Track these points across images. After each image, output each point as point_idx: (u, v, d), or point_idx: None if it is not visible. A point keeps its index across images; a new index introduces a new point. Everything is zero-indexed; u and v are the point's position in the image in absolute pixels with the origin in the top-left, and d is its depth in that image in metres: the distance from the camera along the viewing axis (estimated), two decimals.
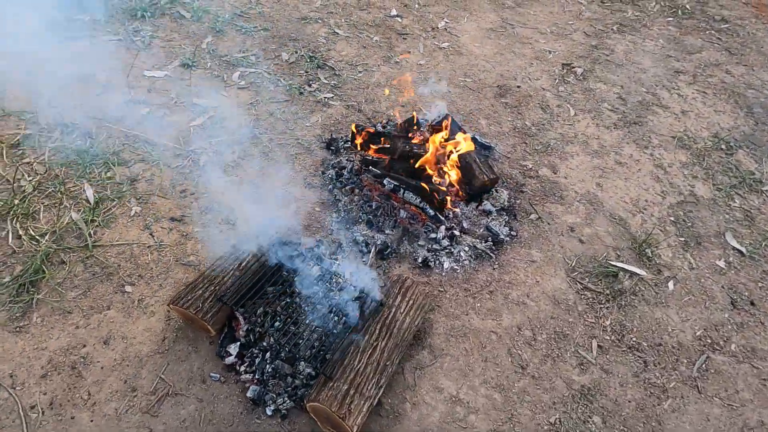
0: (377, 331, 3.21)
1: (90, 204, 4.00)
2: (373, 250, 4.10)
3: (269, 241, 3.60)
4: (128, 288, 3.65)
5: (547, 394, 3.43)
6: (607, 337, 3.80)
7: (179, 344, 3.42)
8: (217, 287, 3.32)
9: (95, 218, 3.98)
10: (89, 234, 3.87)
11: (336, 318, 3.38)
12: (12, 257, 3.66)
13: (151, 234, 3.99)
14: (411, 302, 3.46)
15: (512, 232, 4.46)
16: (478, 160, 4.55)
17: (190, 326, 3.50)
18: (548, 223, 4.55)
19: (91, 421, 3.02)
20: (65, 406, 3.07)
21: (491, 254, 4.24)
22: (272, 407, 3.17)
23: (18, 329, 3.34)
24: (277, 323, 3.36)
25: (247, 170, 4.58)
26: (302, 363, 3.28)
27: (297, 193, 4.49)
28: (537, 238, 4.42)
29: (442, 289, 3.96)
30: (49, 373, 3.18)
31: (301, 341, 3.26)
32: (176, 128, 4.86)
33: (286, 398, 3.19)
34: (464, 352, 3.59)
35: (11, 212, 3.89)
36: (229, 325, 3.48)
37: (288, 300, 3.48)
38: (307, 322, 3.31)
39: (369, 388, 2.98)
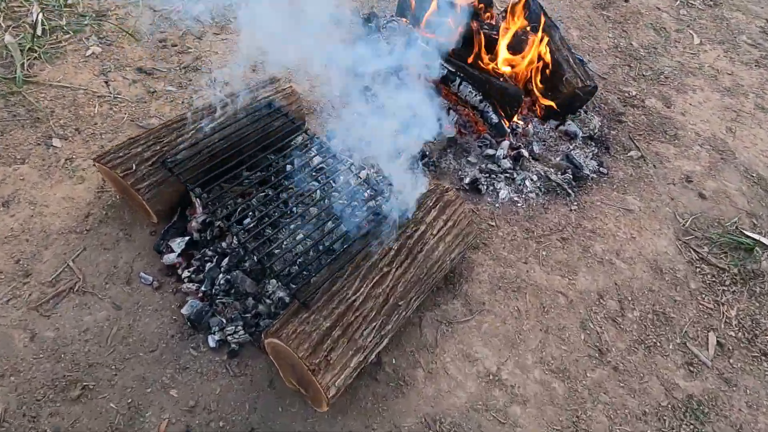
0: (392, 252, 2.07)
1: (33, 29, 2.96)
2: (403, 156, 2.92)
3: (260, 107, 2.46)
4: (57, 142, 2.62)
5: (635, 398, 2.24)
6: (732, 334, 2.53)
7: (107, 226, 2.39)
8: (168, 148, 2.23)
9: (36, 48, 2.94)
10: (22, 65, 2.84)
11: (333, 227, 2.25)
12: None
13: (106, 82, 2.92)
14: (450, 224, 2.28)
15: (602, 169, 3.16)
16: (572, 59, 3.22)
17: (127, 206, 2.46)
18: (654, 166, 3.22)
19: None
20: None
21: (569, 191, 2.99)
22: (217, 336, 2.11)
23: None
24: (247, 221, 2.27)
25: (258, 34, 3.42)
26: (272, 281, 2.20)
27: (314, 69, 3.32)
28: (637, 181, 3.12)
29: (492, 223, 2.76)
30: None
31: (277, 251, 2.17)
32: None
33: (239, 327, 2.12)
34: (515, 312, 2.41)
35: None
36: (181, 214, 2.42)
37: (269, 193, 2.38)
38: (292, 227, 2.21)
39: (365, 333, 1.86)
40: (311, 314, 1.82)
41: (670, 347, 2.43)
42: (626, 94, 3.71)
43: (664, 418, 2.21)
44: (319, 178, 2.46)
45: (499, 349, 2.27)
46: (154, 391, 1.98)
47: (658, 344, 2.43)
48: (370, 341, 1.87)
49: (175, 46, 3.20)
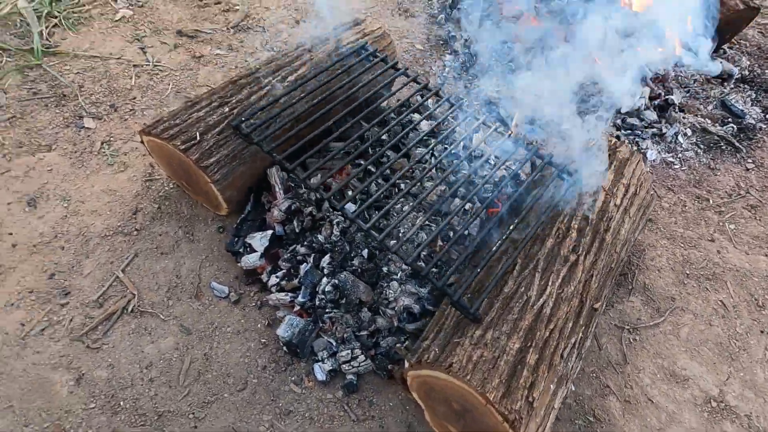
0: (574, 233, 1.44)
1: None
2: (516, 115, 2.28)
3: (345, 51, 1.86)
4: (89, 122, 2.08)
5: None
6: None
7: (162, 224, 1.83)
8: (240, 110, 1.65)
9: (56, 13, 2.41)
10: (40, 33, 2.31)
11: (470, 206, 1.63)
12: None
13: (142, 49, 2.37)
14: (632, 190, 1.64)
15: None
16: None
17: (185, 195, 1.90)
18: None
19: None
20: None
21: (738, 145, 2.30)
22: (327, 365, 1.53)
23: None
24: (351, 204, 1.68)
25: None
26: (392, 284, 1.59)
27: (385, 20, 2.71)
28: None
29: (651, 191, 2.12)
30: None
31: (392, 241, 1.57)
32: None
33: (357, 350, 1.54)
34: (720, 309, 1.76)
35: None
36: (254, 200, 1.84)
37: (373, 168, 1.77)
38: (408, 209, 1.60)
39: (566, 354, 1.25)
40: (486, 330, 1.21)
41: None
42: (766, 26, 2.99)
43: None
44: (447, 141, 1.83)
45: (714, 363, 1.62)
46: None
47: None
48: (572, 365, 1.25)
49: (219, 3, 2.63)
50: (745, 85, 2.60)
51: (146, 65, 2.29)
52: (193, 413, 1.45)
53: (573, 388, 1.53)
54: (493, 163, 1.95)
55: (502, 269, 1.29)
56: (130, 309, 1.61)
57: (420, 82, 1.81)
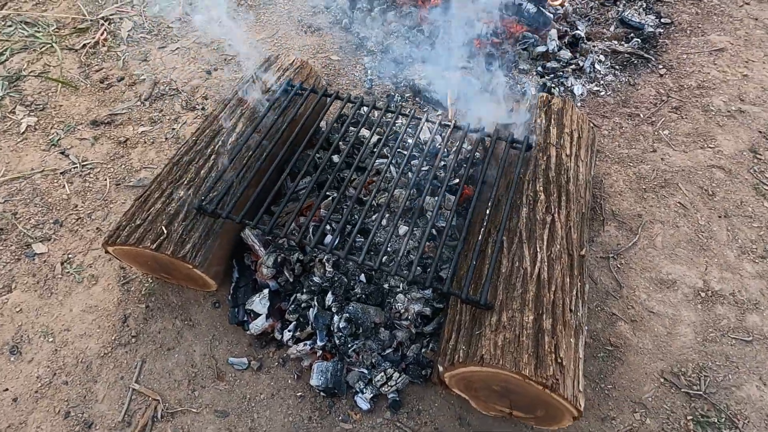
0: (541, 194, 1.55)
1: None
2: (449, 95, 2.37)
3: (275, 96, 1.86)
4: (39, 247, 1.98)
5: None
6: None
7: (155, 322, 1.80)
8: (193, 190, 1.64)
9: None
10: None
11: (435, 199, 1.72)
12: None
13: (62, 152, 2.26)
14: (576, 136, 1.77)
15: (663, 20, 2.67)
16: None
17: (168, 285, 1.88)
18: None
19: None
20: None
21: (647, 56, 2.49)
22: (368, 394, 1.60)
23: None
24: (328, 237, 1.72)
25: (207, 28, 2.75)
26: (398, 296, 1.66)
27: (293, 41, 2.69)
28: (707, 17, 2.63)
29: (590, 127, 2.27)
30: None
31: (384, 258, 1.63)
32: None
33: (389, 370, 1.60)
34: (680, 210, 1.94)
35: None
36: (239, 266, 1.85)
37: (336, 195, 1.81)
38: (384, 223, 1.66)
39: (572, 306, 1.37)
40: (500, 313, 1.30)
41: None
42: None
43: None
44: (388, 147, 1.89)
45: (691, 259, 1.81)
46: None
47: None
48: (581, 314, 1.38)
49: (122, 79, 2.53)
50: None
51: (74, 168, 2.19)
52: None
53: (587, 328, 1.68)
54: (448, 152, 2.04)
55: (495, 252, 1.38)
56: (159, 416, 1.60)
57: (354, 101, 1.84)
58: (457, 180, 1.85)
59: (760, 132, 2.13)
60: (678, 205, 1.94)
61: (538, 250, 1.41)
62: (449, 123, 1.78)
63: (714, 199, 1.94)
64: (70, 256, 1.95)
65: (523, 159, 1.61)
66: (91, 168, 2.19)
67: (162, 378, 1.67)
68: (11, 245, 1.97)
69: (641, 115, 2.25)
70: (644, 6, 2.74)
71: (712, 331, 1.63)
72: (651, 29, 2.61)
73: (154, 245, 1.47)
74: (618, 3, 2.73)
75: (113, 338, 1.75)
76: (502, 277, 1.37)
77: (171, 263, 1.57)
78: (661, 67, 2.43)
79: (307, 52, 2.61)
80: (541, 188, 1.55)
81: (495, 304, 1.32)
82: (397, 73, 2.49)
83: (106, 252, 1.66)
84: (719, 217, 1.89)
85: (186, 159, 1.67)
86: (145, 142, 2.28)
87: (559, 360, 1.22)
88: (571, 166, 1.64)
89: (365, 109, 1.93)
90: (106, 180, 2.16)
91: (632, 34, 2.59)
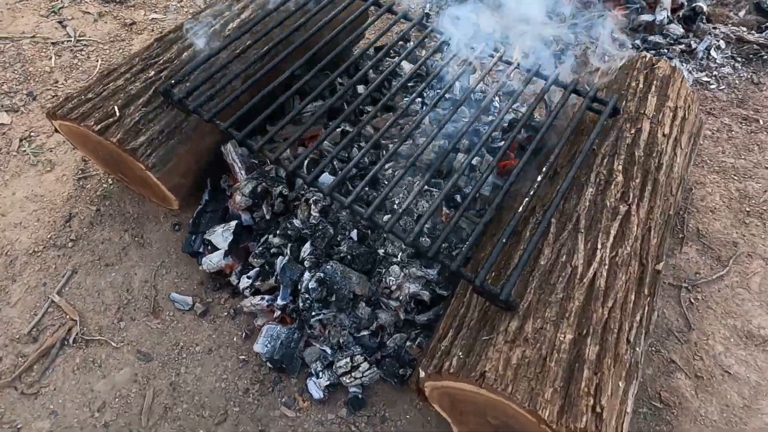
0: (619, 176, 1.11)
1: None
2: (517, 51, 1.92)
3: None
4: (3, 117, 1.70)
5: None
6: None
7: (103, 229, 1.50)
8: (168, 72, 1.29)
9: None
10: None
11: (478, 161, 1.31)
12: None
13: (61, 22, 1.98)
14: (681, 115, 1.31)
15: None
16: None
17: (129, 191, 1.57)
18: None
19: None
20: None
21: None
22: (324, 380, 1.24)
23: None
24: (328, 175, 1.35)
25: None
26: (392, 268, 1.28)
27: None
28: None
29: (699, 115, 1.78)
30: None
31: (385, 214, 1.25)
32: None
33: (357, 356, 1.24)
34: None
35: None
36: (212, 185, 1.51)
37: (349, 129, 1.44)
38: (400, 174, 1.25)
39: (632, 337, 0.95)
40: (525, 320, 0.90)
41: None
42: None
43: None
44: (431, 85, 1.47)
45: None
46: None
47: None
48: (641, 350, 0.95)
49: None
50: None
51: (67, 41, 1.90)
52: None
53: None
54: (498, 105, 1.61)
55: (536, 235, 0.96)
56: (72, 339, 1.30)
57: (395, 12, 1.43)
58: (502, 142, 1.43)
59: None
60: None
61: (599, 246, 0.98)
62: (511, 61, 1.35)
63: None
64: (32, 134, 1.66)
65: (603, 125, 1.17)
66: (85, 45, 1.90)
67: (89, 296, 1.37)
68: None
69: (761, 122, 1.73)
70: None
71: None
72: None
73: (99, 126, 1.14)
74: None
75: (49, 237, 1.46)
76: (539, 271, 0.96)
77: (120, 157, 1.24)
78: None
79: None
80: (620, 168, 1.11)
81: (520, 305, 0.91)
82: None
83: (55, 128, 1.36)
84: None
85: (172, 36, 1.32)
86: (152, 31, 1.96)
87: (599, 409, 0.81)
88: (667, 150, 1.19)
89: (407, 24, 1.51)
90: (98, 61, 1.86)
91: (767, 24, 2.04)
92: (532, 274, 0.97)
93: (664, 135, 1.22)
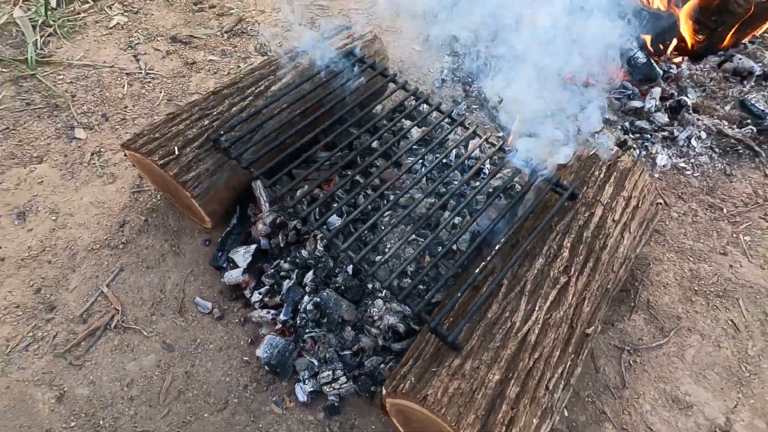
0: (566, 252, 1.36)
1: (46, 3, 2.44)
2: (517, 121, 2.19)
3: (332, 59, 1.80)
4: (80, 133, 2.08)
5: None
6: None
7: (148, 237, 1.81)
8: (219, 123, 1.62)
9: (51, 22, 2.41)
10: (35, 43, 2.32)
11: (459, 220, 1.57)
12: None
13: (135, 56, 2.36)
14: (633, 203, 1.54)
15: None
16: None
17: (172, 208, 1.89)
18: None
19: None
20: None
21: (756, 149, 2.16)
22: (309, 386, 1.49)
23: None
24: (330, 216, 1.63)
25: None
26: (377, 302, 1.54)
27: (385, 21, 2.63)
28: None
29: (659, 200, 2.00)
30: None
31: (378, 257, 1.52)
32: None
33: (338, 371, 1.49)
34: (731, 330, 1.64)
35: None
36: (241, 214, 1.81)
37: (359, 178, 1.73)
38: (394, 223, 1.53)
39: (552, 385, 1.17)
40: (466, 360, 1.14)
41: None
42: None
43: None
44: (423, 150, 1.76)
45: (722, 389, 1.52)
46: None
47: None
48: (558, 396, 1.18)
49: (213, 7, 2.60)
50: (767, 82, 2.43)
51: (139, 73, 2.27)
52: None
53: (566, 414, 1.46)
54: (486, 173, 1.87)
55: (487, 292, 1.21)
56: (113, 325, 1.60)
57: (409, 89, 1.73)
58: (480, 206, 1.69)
59: None
60: (729, 323, 1.63)
61: (537, 308, 1.22)
62: (497, 143, 1.62)
63: (742, 327, 1.62)
64: (101, 149, 2.02)
65: (561, 206, 1.42)
66: (152, 77, 2.27)
67: (130, 292, 1.68)
68: (58, 123, 2.08)
69: (724, 210, 1.93)
70: None
71: None
72: None
73: (162, 161, 1.47)
74: (745, 82, 2.38)
75: (105, 238, 1.79)
76: (485, 322, 1.21)
77: (174, 186, 1.56)
78: None
79: (392, 34, 2.54)
80: (569, 244, 1.35)
81: (464, 347, 1.16)
82: (474, 81, 2.35)
83: (125, 155, 1.69)
84: None
85: (225, 92, 1.65)
86: (209, 71, 2.32)
87: None
88: (613, 233, 1.42)
89: (425, 106, 1.81)
90: (161, 93, 2.22)
91: (749, 121, 2.25)
92: (480, 324, 1.21)
93: (614, 220, 1.46)
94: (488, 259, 1.29)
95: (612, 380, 1.53)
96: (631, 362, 1.56)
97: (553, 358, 1.18)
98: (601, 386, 1.52)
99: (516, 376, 1.12)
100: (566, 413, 1.46)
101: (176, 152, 1.48)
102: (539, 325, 1.20)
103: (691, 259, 1.80)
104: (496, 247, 1.31)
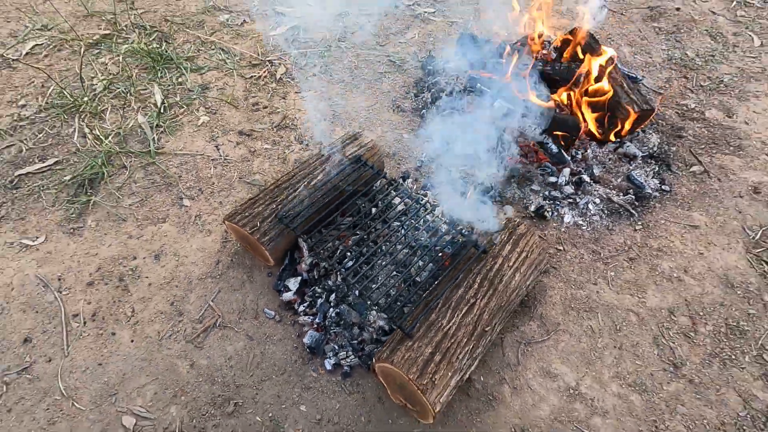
0: (476, 285, 2.39)
1: (157, 108, 3.61)
2: (471, 190, 3.24)
3: (345, 162, 2.90)
4: (187, 202, 3.21)
5: (713, 409, 2.40)
6: None
7: (234, 270, 2.91)
8: (280, 206, 2.71)
9: (161, 124, 3.58)
10: (153, 140, 3.48)
11: (421, 263, 2.62)
12: (75, 155, 3.39)
13: (216, 146, 3.50)
14: (524, 254, 2.57)
15: (664, 187, 3.30)
16: (626, 84, 3.39)
17: (247, 252, 2.98)
18: (719, 180, 3.30)
19: (132, 341, 2.63)
20: (107, 320, 2.71)
21: (632, 211, 3.16)
22: (332, 360, 2.55)
23: (72, 231, 3.05)
24: (346, 260, 2.70)
25: (330, 87, 3.90)
26: (374, 312, 2.59)
27: (383, 115, 3.74)
28: (701, 197, 3.22)
29: (560, 248, 3.01)
30: (96, 282, 2.85)
31: (374, 285, 2.57)
32: (255, 37, 4.30)
33: (350, 352, 2.54)
34: (589, 331, 2.65)
35: (80, 110, 3.62)
36: (290, 257, 2.89)
37: (363, 235, 2.79)
38: (384, 264, 2.59)
39: (460, 356, 2.20)
40: (414, 342, 2.19)
41: (746, 359, 2.55)
42: (684, 108, 3.79)
43: (744, 427, 2.35)
44: (402, 218, 2.84)
45: (577, 366, 2.52)
46: (287, 406, 2.44)
47: (734, 357, 2.56)
48: (465, 363, 2.21)
49: (266, 108, 3.75)
50: (653, 161, 3.44)
51: (219, 158, 3.41)
52: (255, 386, 2.50)
53: (482, 379, 2.47)
54: (443, 231, 2.93)
55: (430, 306, 2.26)
56: (217, 324, 2.69)
57: (393, 183, 2.82)
58: (441, 253, 2.75)
59: (686, 300, 2.73)
60: (589, 327, 2.64)
61: (456, 315, 2.26)
62: (437, 221, 2.68)
63: (618, 333, 2.61)
64: (201, 213, 3.14)
65: (477, 257, 2.46)
66: (228, 162, 3.41)
67: (226, 304, 2.77)
68: (172, 195, 3.22)
69: (601, 254, 2.94)
70: (656, 170, 3.38)
71: (563, 416, 2.35)
72: (650, 191, 3.25)
73: (250, 231, 2.57)
74: (633, 162, 3.39)
75: (208, 271, 2.89)
76: (427, 323, 2.25)
77: (254, 242, 2.66)
78: (639, 224, 3.08)
79: (387, 126, 3.64)
80: (479, 280, 2.39)
81: (414, 336, 2.20)
82: (438, 159, 3.42)
83: (224, 223, 2.80)
84: (614, 347, 2.56)
85: (283, 186, 2.76)
86: (264, 156, 3.45)
87: (434, 380, 2.07)
88: (507, 273, 2.46)
89: (403, 184, 2.89)
90: (234, 173, 3.35)
91: (631, 190, 3.26)
92: (424, 323, 2.25)
93: (509, 266, 2.49)
94: (434, 287, 2.34)
95: (512, 361, 2.54)
96: (524, 351, 2.57)
97: (462, 342, 2.21)
98: (504, 364, 2.53)
99: (440, 350, 2.15)
100: (482, 378, 2.48)
101: (258, 225, 2.58)
102: (456, 325, 2.23)
103: (573, 286, 2.81)
104: (440, 279, 2.36)
